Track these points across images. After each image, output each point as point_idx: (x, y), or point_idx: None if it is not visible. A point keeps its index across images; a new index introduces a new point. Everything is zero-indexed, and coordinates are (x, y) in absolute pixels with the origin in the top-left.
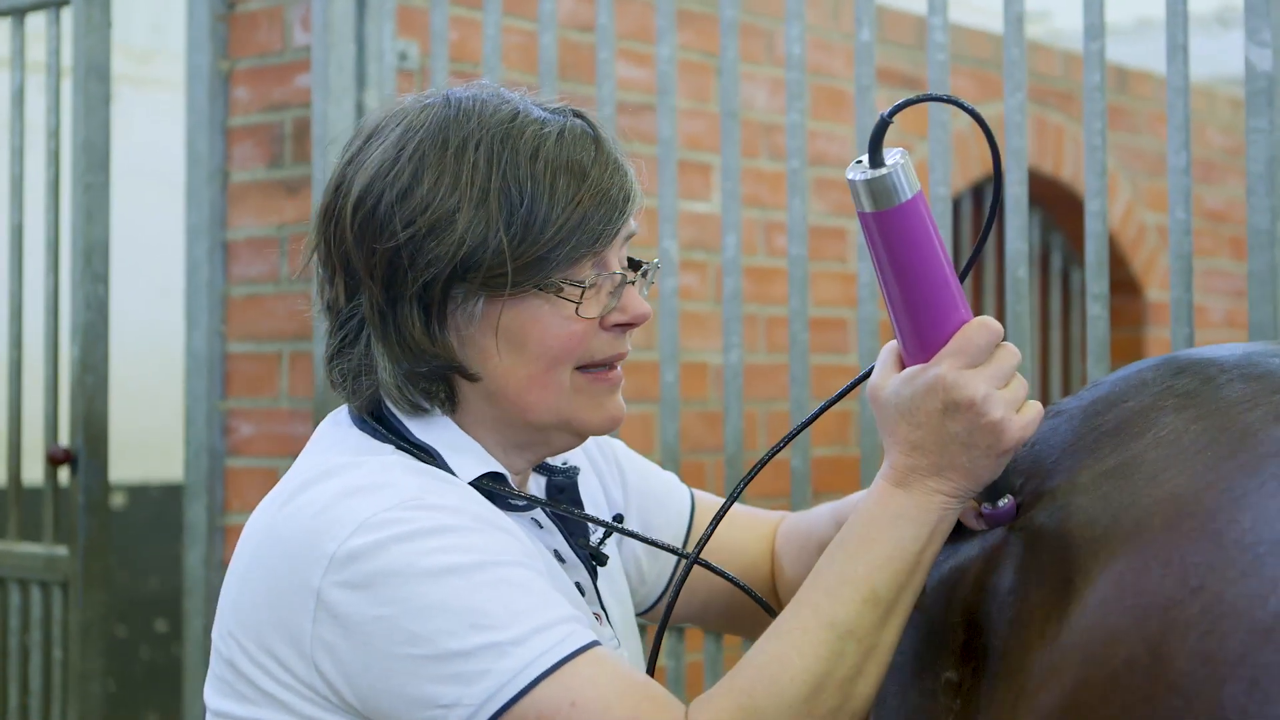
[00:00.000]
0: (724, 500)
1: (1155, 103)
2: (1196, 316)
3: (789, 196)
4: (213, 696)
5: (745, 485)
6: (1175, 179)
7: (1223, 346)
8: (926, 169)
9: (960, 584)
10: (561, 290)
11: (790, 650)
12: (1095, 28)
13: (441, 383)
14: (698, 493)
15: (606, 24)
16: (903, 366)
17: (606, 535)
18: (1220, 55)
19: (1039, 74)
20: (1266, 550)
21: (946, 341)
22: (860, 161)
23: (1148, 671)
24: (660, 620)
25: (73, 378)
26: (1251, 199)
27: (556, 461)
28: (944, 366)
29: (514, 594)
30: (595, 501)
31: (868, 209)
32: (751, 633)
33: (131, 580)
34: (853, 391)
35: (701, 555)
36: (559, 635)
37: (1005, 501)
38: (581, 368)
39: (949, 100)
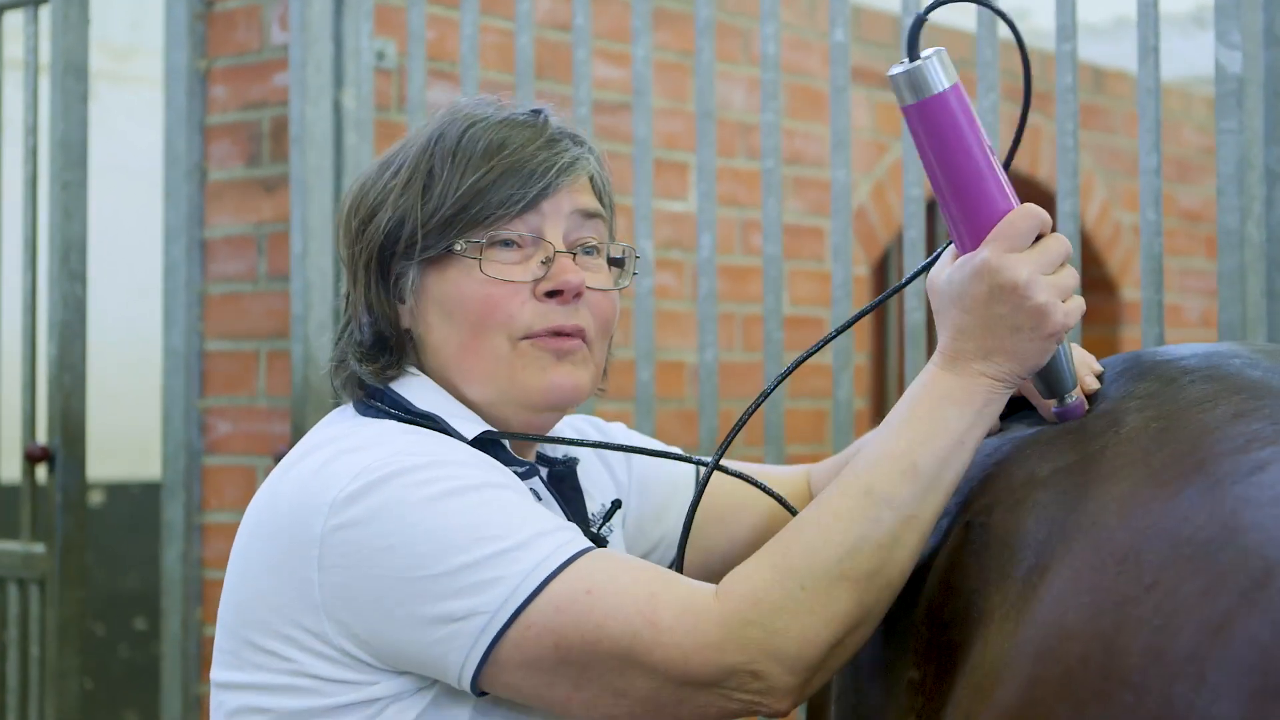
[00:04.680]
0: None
1: (1131, 102)
2: (1172, 316)
3: (764, 196)
4: (218, 671)
5: (749, 415)
6: (1146, 180)
7: (1187, 346)
8: (902, 169)
9: (924, 582)
10: (466, 251)
11: (827, 514)
12: (1068, 29)
13: (394, 354)
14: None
15: (583, 24)
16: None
17: (608, 517)
18: (1196, 55)
19: (1016, 74)
20: (1218, 547)
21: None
22: (903, 61)
23: (1101, 668)
24: (682, 528)
25: (50, 376)
26: (1222, 200)
27: (557, 454)
28: (989, 251)
29: (511, 508)
30: (600, 487)
31: (909, 101)
32: None
33: (110, 578)
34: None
35: (712, 517)
36: (564, 538)
37: (1073, 399)
38: (524, 338)
39: (981, 2)
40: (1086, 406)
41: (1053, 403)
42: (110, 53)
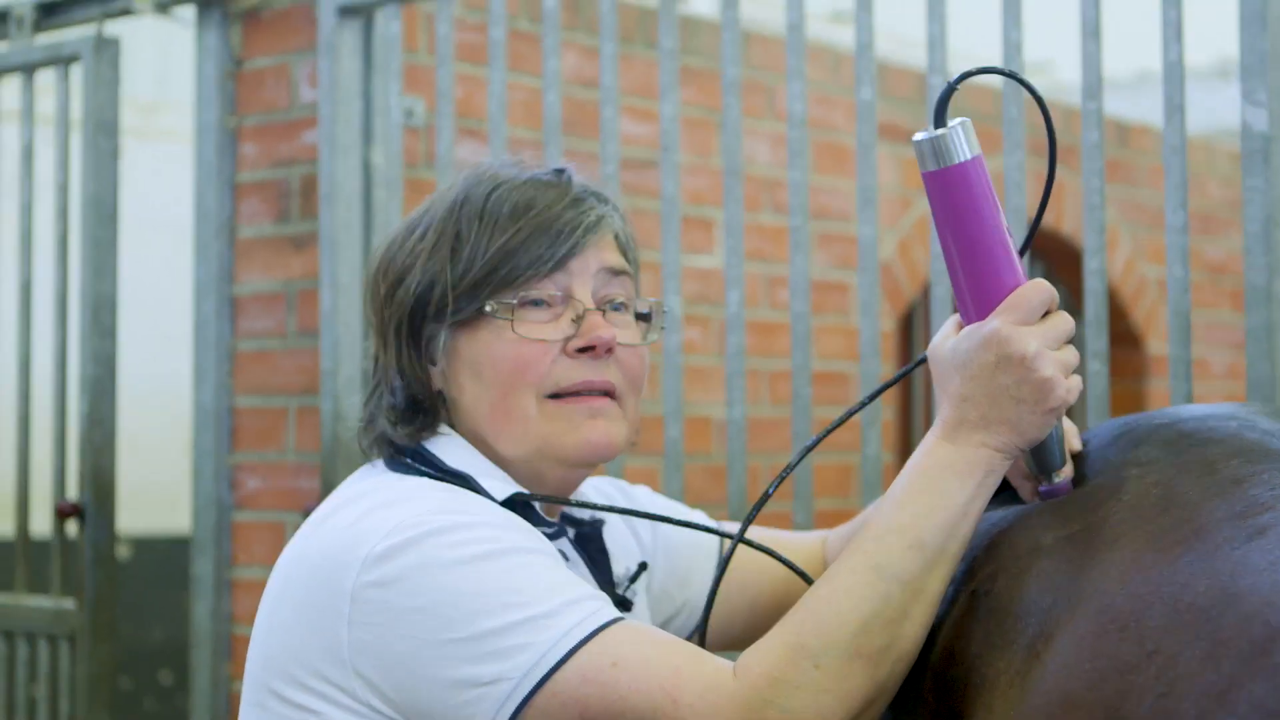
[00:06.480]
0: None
1: (1155, 156)
2: (1198, 369)
3: (791, 253)
4: None
5: (774, 489)
6: (1173, 237)
7: (1186, 408)
8: (927, 222)
9: (930, 650)
10: (497, 312)
11: (838, 592)
12: (1094, 86)
13: (428, 416)
14: (723, 525)
15: (610, 82)
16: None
17: (634, 579)
18: (1219, 108)
19: (1040, 127)
20: (1219, 613)
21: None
22: (929, 128)
23: None
24: (706, 602)
25: (81, 432)
26: (1248, 257)
27: (584, 515)
28: (1000, 321)
29: (542, 574)
30: (625, 549)
31: (930, 167)
32: None
33: (135, 632)
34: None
35: (733, 580)
36: (591, 608)
37: (1060, 479)
38: (554, 396)
39: (1009, 75)
40: (1071, 487)
41: (1037, 482)
42: (136, 108)
